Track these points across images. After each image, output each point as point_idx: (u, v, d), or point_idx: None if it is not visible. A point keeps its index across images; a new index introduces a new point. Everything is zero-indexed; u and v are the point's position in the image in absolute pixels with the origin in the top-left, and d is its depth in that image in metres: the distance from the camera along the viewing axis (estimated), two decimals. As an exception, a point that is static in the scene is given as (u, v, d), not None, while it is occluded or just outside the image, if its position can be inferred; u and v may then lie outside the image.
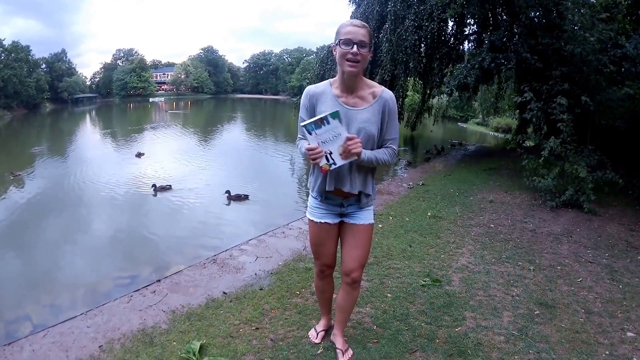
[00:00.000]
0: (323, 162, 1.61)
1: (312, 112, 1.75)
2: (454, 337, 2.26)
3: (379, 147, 1.77)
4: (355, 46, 1.58)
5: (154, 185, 7.14)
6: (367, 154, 1.66)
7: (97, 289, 3.66)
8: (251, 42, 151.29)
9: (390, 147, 1.76)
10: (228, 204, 6.49)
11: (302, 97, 1.79)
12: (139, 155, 10.93)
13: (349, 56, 1.59)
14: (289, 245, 3.83)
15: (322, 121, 1.56)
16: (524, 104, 6.23)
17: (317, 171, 1.77)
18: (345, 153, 1.59)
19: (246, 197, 6.68)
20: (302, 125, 1.61)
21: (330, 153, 1.60)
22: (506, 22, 8.52)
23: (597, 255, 3.61)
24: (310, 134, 1.58)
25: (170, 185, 7.30)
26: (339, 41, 1.61)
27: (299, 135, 1.84)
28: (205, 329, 2.35)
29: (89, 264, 4.35)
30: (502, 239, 3.99)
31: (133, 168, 9.48)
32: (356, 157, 1.61)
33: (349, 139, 1.58)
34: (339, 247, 1.98)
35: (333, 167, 1.62)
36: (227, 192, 6.67)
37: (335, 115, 1.56)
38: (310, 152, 1.60)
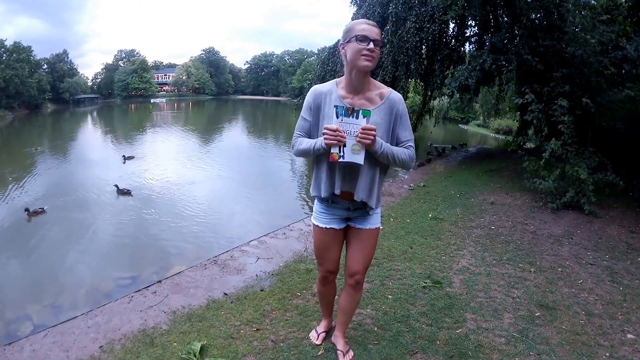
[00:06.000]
0: (335, 150, 1.58)
1: (316, 111, 1.70)
2: (454, 339, 2.26)
3: None
4: (371, 43, 1.56)
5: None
6: (383, 145, 1.61)
7: (98, 290, 3.67)
8: (257, 42, 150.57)
9: (409, 148, 1.70)
10: (117, 198, 6.99)
11: (308, 96, 1.73)
12: (130, 157, 10.65)
13: (365, 52, 1.56)
14: (290, 247, 3.83)
15: (354, 112, 1.56)
16: (524, 106, 6.22)
17: (322, 173, 1.71)
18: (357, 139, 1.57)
19: (129, 192, 7.15)
20: (335, 105, 1.58)
21: (344, 145, 1.57)
22: (507, 23, 8.51)
23: (597, 257, 3.61)
24: (337, 117, 1.57)
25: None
26: (354, 37, 1.58)
27: (297, 133, 1.76)
28: (206, 330, 2.36)
29: (90, 265, 4.36)
30: (502, 241, 3.99)
31: (133, 169, 9.49)
32: (365, 149, 1.58)
33: (364, 128, 1.55)
34: (343, 252, 1.96)
35: (341, 159, 1.58)
36: (116, 185, 7.25)
37: (366, 114, 1.56)
38: (329, 132, 1.55)
